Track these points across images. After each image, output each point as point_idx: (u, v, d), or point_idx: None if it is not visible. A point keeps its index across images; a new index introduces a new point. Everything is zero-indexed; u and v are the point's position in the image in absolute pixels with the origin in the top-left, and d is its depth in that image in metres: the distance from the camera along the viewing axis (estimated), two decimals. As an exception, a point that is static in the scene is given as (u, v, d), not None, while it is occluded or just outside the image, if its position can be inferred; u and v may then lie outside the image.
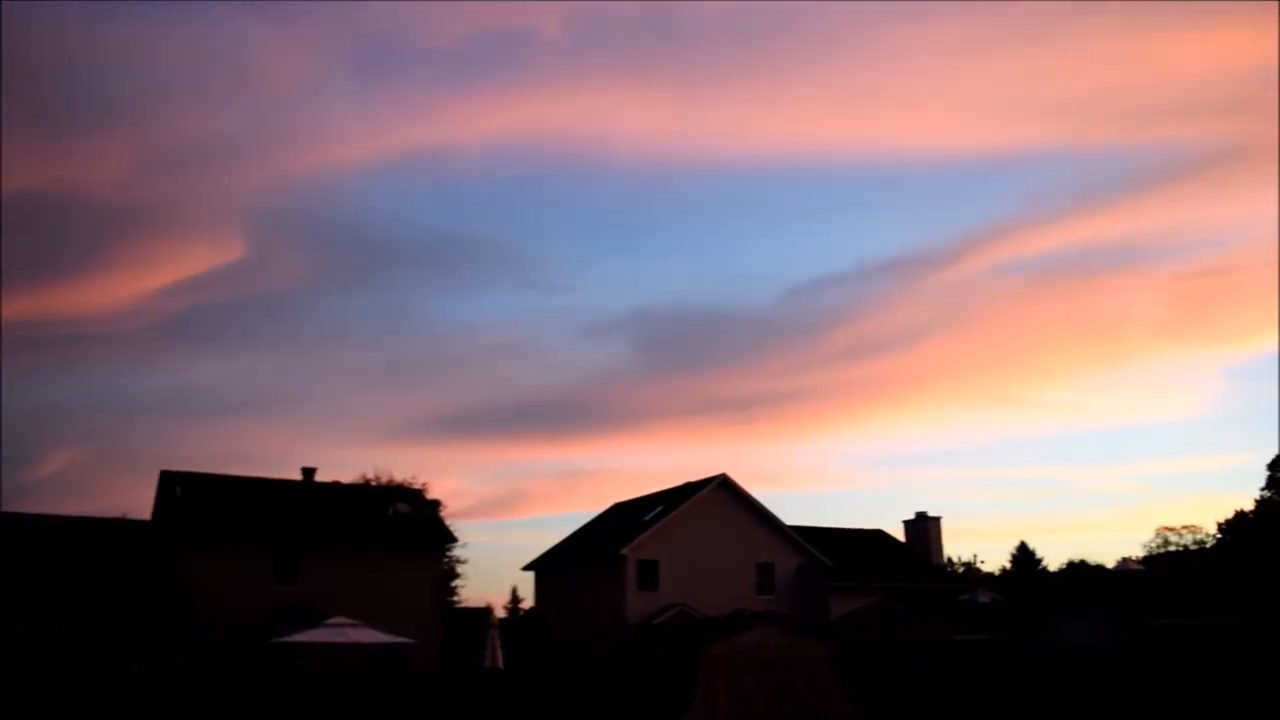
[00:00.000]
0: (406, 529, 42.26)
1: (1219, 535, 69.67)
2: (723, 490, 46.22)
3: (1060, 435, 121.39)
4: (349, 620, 31.76)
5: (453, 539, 44.74)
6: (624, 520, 48.91)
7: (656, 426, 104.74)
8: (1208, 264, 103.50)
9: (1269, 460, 71.11)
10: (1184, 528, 70.88)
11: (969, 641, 31.33)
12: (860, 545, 51.22)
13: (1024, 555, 75.71)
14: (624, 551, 42.93)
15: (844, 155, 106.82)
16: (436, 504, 47.95)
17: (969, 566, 72.42)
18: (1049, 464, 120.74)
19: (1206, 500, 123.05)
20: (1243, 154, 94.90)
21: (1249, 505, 71.64)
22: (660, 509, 46.15)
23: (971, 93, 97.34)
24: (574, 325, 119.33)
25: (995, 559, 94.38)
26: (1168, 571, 45.29)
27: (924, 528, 52.77)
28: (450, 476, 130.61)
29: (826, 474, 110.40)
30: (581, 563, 47.57)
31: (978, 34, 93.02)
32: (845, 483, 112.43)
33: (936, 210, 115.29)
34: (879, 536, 53.44)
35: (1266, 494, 71.09)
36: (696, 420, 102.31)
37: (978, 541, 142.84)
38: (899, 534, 53.80)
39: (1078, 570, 65.58)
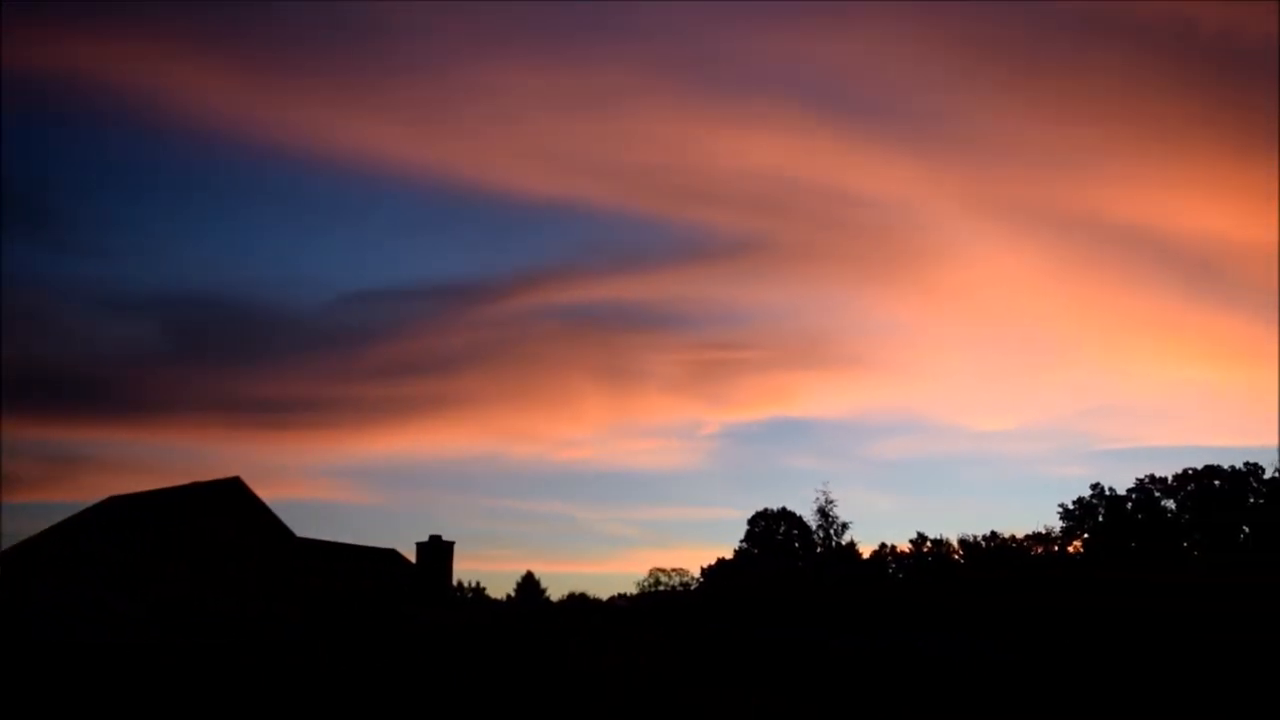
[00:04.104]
0: None
1: (701, 579, 77.35)
2: (234, 494, 44.41)
3: (573, 474, 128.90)
4: None
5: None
6: (122, 515, 45.49)
7: (176, 419, 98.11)
8: (723, 338, 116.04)
9: (750, 516, 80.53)
10: (674, 570, 77.61)
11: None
12: (371, 564, 51.10)
13: (530, 585, 79.35)
14: (122, 549, 39.95)
15: (414, 174, 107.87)
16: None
17: (477, 592, 74.62)
18: (561, 500, 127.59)
19: (696, 547, 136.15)
20: (763, 247, 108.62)
21: (730, 554, 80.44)
22: (164, 507, 43.45)
23: (538, 141, 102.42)
24: (96, 296, 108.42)
25: (503, 587, 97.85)
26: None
27: (437, 551, 53.68)
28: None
29: (348, 487, 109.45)
30: (67, 559, 43.42)
31: (552, 89, 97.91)
32: (364, 498, 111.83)
33: (493, 246, 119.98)
34: (391, 556, 53.63)
35: (745, 545, 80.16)
36: (220, 417, 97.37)
37: (488, 568, 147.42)
38: (411, 555, 54.31)
39: (578, 602, 69.68)
